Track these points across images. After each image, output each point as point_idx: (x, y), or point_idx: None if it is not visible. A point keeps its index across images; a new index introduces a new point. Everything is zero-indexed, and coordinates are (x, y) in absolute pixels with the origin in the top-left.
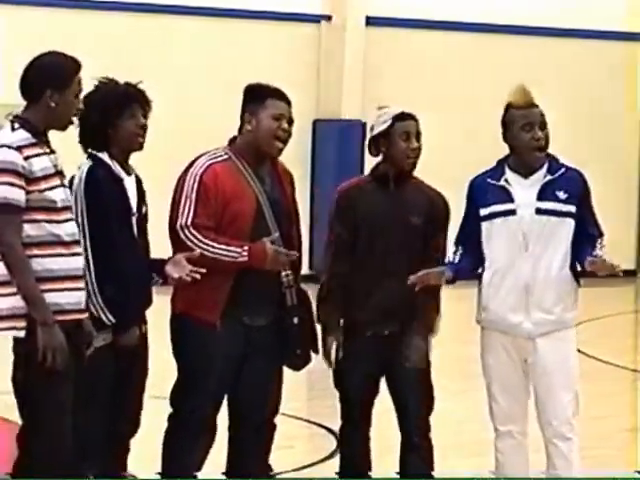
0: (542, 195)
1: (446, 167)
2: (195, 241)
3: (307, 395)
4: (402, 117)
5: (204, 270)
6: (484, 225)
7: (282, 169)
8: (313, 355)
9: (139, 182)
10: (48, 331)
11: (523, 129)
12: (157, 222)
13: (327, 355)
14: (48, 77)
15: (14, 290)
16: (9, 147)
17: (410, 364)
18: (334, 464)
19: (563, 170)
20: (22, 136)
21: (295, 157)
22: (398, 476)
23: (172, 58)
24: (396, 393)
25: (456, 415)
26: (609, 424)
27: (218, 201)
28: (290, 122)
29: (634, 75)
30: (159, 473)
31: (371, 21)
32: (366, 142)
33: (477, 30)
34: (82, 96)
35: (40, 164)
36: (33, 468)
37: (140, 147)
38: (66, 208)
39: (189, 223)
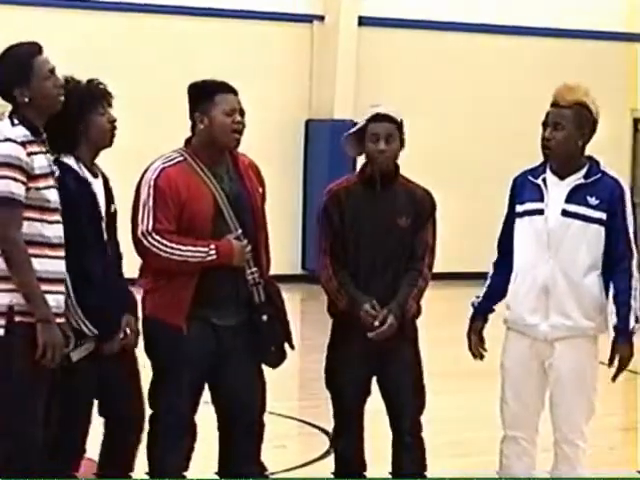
0: (571, 198)
1: (437, 167)
2: (160, 247)
3: (299, 395)
4: (375, 118)
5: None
6: (517, 222)
7: (246, 163)
8: (304, 353)
9: (106, 181)
10: (49, 328)
11: (542, 127)
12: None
13: (370, 327)
14: (8, 77)
15: None
16: (14, 142)
17: (373, 335)
18: (327, 464)
19: (599, 175)
20: (22, 132)
21: (287, 157)
22: (391, 476)
23: (162, 57)
24: (387, 393)
25: (448, 415)
26: (607, 423)
27: (176, 204)
28: (242, 113)
29: (634, 76)
30: (147, 473)
31: (364, 21)
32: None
33: (472, 30)
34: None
35: (38, 162)
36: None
37: (110, 143)
38: (56, 210)
39: (150, 229)
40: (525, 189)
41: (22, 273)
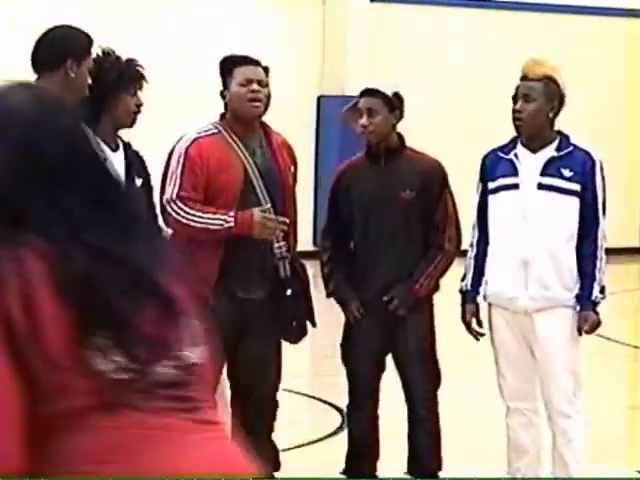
0: (545, 171)
1: (448, 140)
2: (182, 213)
3: (312, 371)
4: (362, 94)
5: None
6: (490, 198)
7: (280, 141)
8: (315, 330)
9: (136, 153)
10: None
11: (513, 101)
12: None
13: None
14: (69, 47)
15: None
16: None
17: (394, 308)
18: (340, 441)
19: (571, 148)
20: None
21: (299, 133)
22: (407, 476)
23: (180, 33)
24: (401, 368)
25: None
26: (613, 402)
27: (204, 174)
28: (261, 83)
29: (635, 52)
30: None
31: None
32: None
33: (481, 7)
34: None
35: None
36: None
37: (132, 125)
38: None
39: (174, 197)
40: (497, 166)
41: None
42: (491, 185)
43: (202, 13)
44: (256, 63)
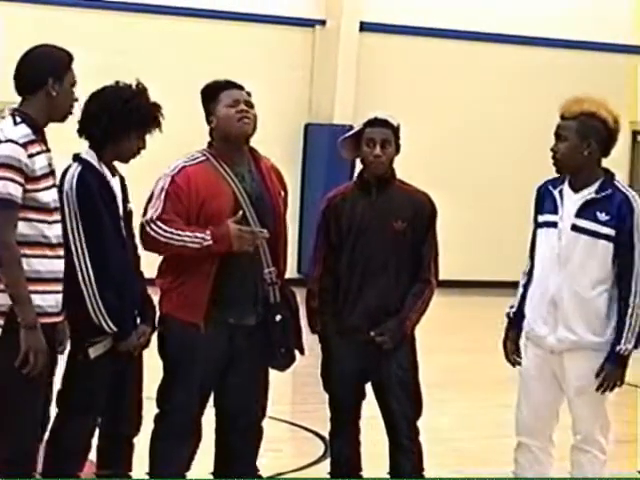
0: (581, 212)
1: (437, 172)
2: (160, 232)
3: (292, 399)
4: (371, 123)
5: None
6: (538, 232)
7: (268, 166)
8: (299, 357)
9: (122, 180)
10: (32, 333)
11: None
12: None
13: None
14: (48, 67)
15: None
16: (16, 143)
17: (382, 342)
18: (322, 469)
19: (610, 191)
20: (25, 132)
21: (286, 160)
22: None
23: (164, 59)
24: (383, 397)
25: (440, 424)
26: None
27: (191, 203)
28: (248, 104)
29: (635, 88)
30: (148, 473)
31: (365, 27)
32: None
33: (472, 39)
34: (89, 92)
35: (40, 163)
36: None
37: (127, 161)
38: (56, 209)
39: (154, 218)
40: (545, 199)
41: (12, 275)
42: (540, 218)
43: (189, 40)
44: (240, 87)
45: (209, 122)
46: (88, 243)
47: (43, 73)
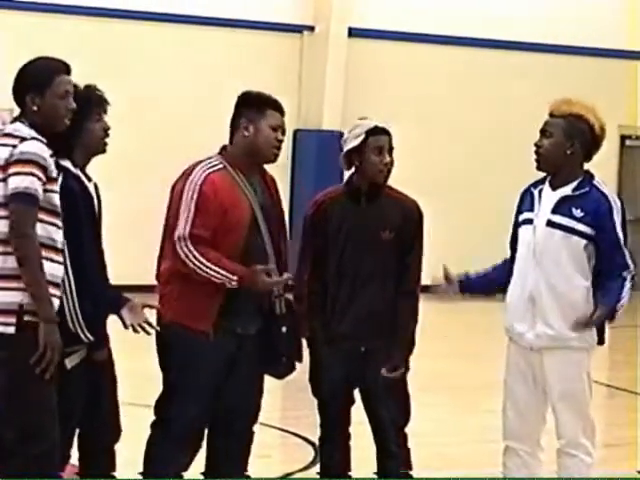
0: (557, 209)
1: (427, 178)
2: (190, 256)
3: (282, 405)
4: (375, 131)
5: (157, 328)
6: (518, 231)
7: (269, 177)
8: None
9: (96, 187)
10: (52, 329)
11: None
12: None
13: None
14: (27, 82)
15: (8, 285)
16: (41, 141)
17: (386, 374)
18: (311, 475)
19: (587, 189)
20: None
21: (275, 166)
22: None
23: (155, 65)
24: (371, 404)
25: (426, 429)
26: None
27: (216, 211)
28: (284, 132)
29: (634, 93)
30: (141, 473)
31: (354, 32)
32: (340, 156)
33: (460, 44)
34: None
35: (53, 164)
36: (30, 472)
37: (104, 151)
38: (60, 214)
39: (187, 234)
40: (525, 199)
41: (33, 271)
42: (520, 218)
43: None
44: (283, 111)
45: (242, 126)
46: (70, 252)
47: (23, 89)
